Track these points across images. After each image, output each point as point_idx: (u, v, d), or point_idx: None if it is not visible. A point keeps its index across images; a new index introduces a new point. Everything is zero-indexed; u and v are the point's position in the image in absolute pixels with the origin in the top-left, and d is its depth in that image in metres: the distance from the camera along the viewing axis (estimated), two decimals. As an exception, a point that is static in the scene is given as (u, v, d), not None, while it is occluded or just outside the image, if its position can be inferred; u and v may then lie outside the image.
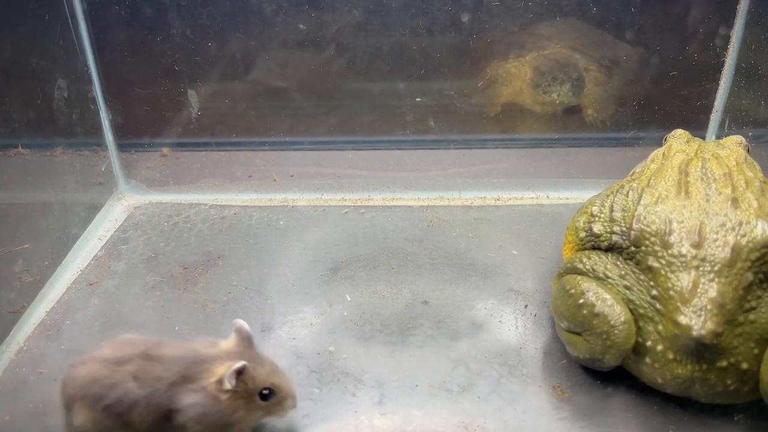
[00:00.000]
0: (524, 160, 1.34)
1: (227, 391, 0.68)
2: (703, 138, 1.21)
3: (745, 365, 0.74)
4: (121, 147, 1.27)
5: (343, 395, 0.82)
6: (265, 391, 0.71)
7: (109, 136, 1.23)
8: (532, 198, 1.26)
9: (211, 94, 1.24)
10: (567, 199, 1.24)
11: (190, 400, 0.68)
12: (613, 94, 1.27)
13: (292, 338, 0.92)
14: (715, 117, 1.19)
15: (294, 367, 0.86)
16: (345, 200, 1.26)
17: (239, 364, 0.68)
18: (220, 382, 0.69)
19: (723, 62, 1.15)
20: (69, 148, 1.14)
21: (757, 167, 0.89)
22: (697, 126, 1.20)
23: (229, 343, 0.73)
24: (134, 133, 1.27)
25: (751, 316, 0.74)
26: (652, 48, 1.18)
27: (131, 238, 1.16)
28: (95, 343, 0.90)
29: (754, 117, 1.10)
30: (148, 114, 1.24)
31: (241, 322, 0.73)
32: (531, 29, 1.26)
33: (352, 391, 0.83)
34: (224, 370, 0.69)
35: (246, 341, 0.73)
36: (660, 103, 1.20)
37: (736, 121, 1.15)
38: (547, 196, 1.26)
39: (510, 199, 1.26)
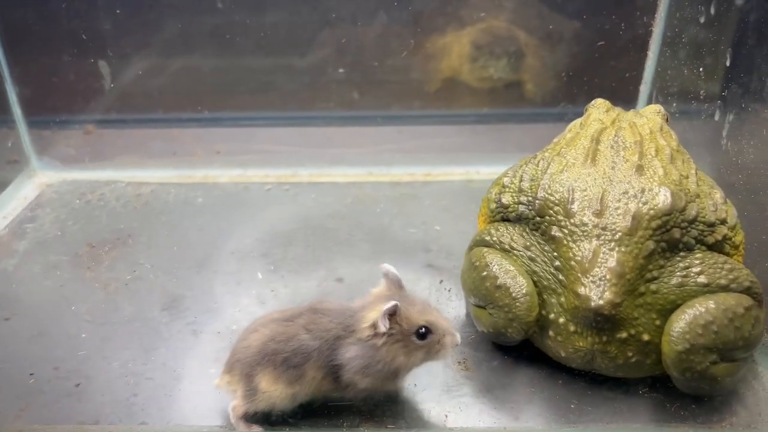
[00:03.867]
0: (458, 135, 1.31)
1: (383, 335, 0.66)
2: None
3: (646, 336, 0.72)
4: (34, 123, 1.21)
5: (239, 375, 0.78)
6: (421, 330, 0.67)
7: (16, 110, 1.17)
8: (462, 174, 1.23)
9: (124, 66, 1.18)
10: (497, 174, 1.19)
11: (350, 354, 0.66)
12: (551, 67, 1.24)
13: (193, 317, 0.88)
14: (644, 89, 1.17)
15: (191, 347, 0.82)
16: (269, 176, 1.22)
17: (390, 304, 0.65)
18: (374, 326, 0.66)
19: (650, 32, 1.12)
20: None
21: (673, 136, 0.86)
22: (626, 98, 1.18)
23: (378, 289, 0.71)
24: (47, 107, 1.21)
25: (653, 287, 0.72)
26: (583, 19, 1.15)
27: (39, 217, 1.10)
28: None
29: (679, 88, 1.07)
30: (59, 88, 1.18)
31: (388, 266, 0.71)
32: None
33: (249, 370, 0.79)
34: (375, 314, 0.66)
35: (395, 284, 0.70)
36: (590, 75, 1.18)
37: (663, 92, 1.12)
38: (478, 172, 1.23)
39: (440, 174, 1.22)
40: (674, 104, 1.07)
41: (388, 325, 0.65)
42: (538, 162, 0.84)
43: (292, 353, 0.67)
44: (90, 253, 1.01)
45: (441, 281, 0.94)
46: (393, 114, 1.30)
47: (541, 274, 0.76)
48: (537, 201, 0.78)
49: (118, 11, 1.12)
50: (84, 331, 0.85)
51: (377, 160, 1.24)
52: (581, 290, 0.71)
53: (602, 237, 0.73)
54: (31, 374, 0.79)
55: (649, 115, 0.88)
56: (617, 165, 0.78)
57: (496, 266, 0.77)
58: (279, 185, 1.19)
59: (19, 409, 0.74)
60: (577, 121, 0.92)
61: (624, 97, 1.17)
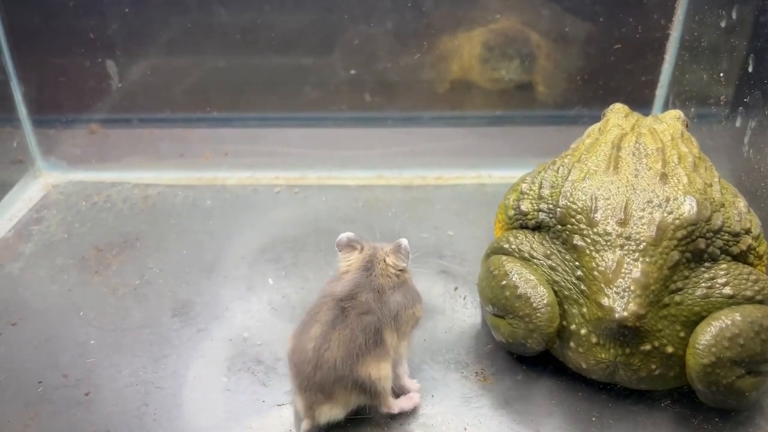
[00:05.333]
0: (469, 138, 1.29)
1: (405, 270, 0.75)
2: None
3: (670, 349, 0.70)
4: (39, 122, 1.19)
5: (252, 385, 0.77)
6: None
7: (22, 110, 1.15)
8: (474, 177, 1.21)
9: (132, 65, 1.16)
10: (510, 178, 1.16)
11: (397, 297, 0.72)
12: (564, 69, 1.22)
13: (204, 324, 0.86)
14: (660, 93, 1.15)
15: (203, 356, 0.81)
16: (278, 179, 1.20)
17: (398, 242, 0.75)
18: (396, 266, 0.74)
19: (668, 35, 1.10)
20: (-30, 121, 1.07)
21: (694, 142, 0.84)
22: (642, 102, 1.16)
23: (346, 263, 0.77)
24: (53, 107, 1.19)
25: (677, 298, 0.70)
26: (599, 21, 1.13)
27: (44, 218, 1.08)
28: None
29: (697, 93, 1.06)
30: (65, 87, 1.16)
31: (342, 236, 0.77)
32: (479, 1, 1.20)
33: (262, 380, 0.77)
34: (393, 257, 0.74)
35: (352, 247, 0.77)
36: (605, 78, 1.16)
37: (680, 96, 1.11)
38: (490, 176, 1.21)
39: (451, 178, 1.21)
40: (692, 109, 1.06)
41: (407, 259, 0.74)
42: (558, 168, 0.82)
43: (368, 335, 0.67)
44: (97, 257, 0.99)
45: (456, 288, 0.92)
46: (404, 116, 1.28)
47: (562, 283, 0.74)
48: (558, 209, 0.76)
49: (126, 10, 1.10)
50: (93, 337, 0.84)
51: (388, 162, 1.23)
52: (605, 301, 0.70)
53: (626, 247, 0.71)
54: (39, 382, 0.77)
55: (669, 121, 0.87)
56: (640, 173, 0.76)
57: (515, 275, 0.76)
58: (288, 188, 1.17)
59: (28, 419, 0.72)
60: (596, 126, 0.91)
61: (639, 101, 1.15)
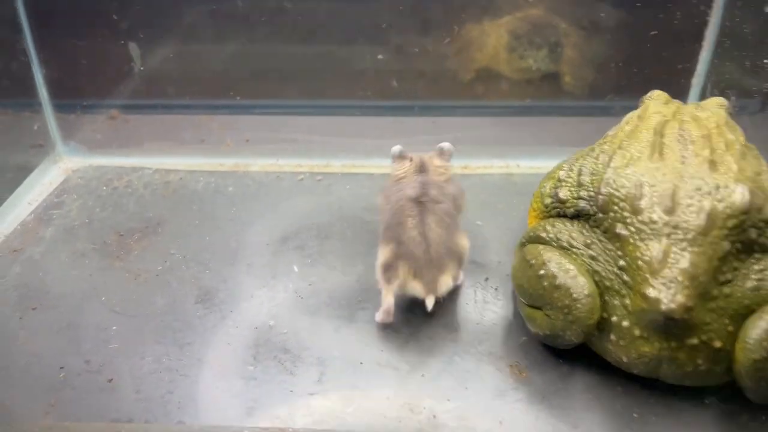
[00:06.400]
0: (496, 127, 1.26)
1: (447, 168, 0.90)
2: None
3: (718, 343, 0.67)
4: (60, 107, 1.17)
5: (279, 374, 0.74)
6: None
7: (43, 93, 1.13)
8: (502, 167, 1.18)
9: (155, 49, 1.14)
10: (538, 168, 1.16)
11: (452, 189, 0.87)
12: (592, 59, 1.19)
13: (229, 311, 0.84)
14: (697, 81, 1.11)
15: (228, 343, 0.78)
16: (301, 167, 1.17)
17: (441, 145, 0.91)
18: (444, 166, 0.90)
19: (707, 21, 1.06)
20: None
21: (739, 131, 0.81)
22: (677, 92, 1.11)
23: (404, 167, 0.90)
24: (74, 91, 1.17)
25: (726, 290, 0.67)
26: (632, 7, 1.09)
27: (65, 203, 1.06)
28: (10, 317, 0.82)
29: (738, 82, 1.02)
30: (87, 70, 1.14)
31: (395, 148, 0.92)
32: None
33: (289, 369, 0.75)
34: (437, 160, 0.90)
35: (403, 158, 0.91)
36: (639, 66, 1.12)
37: (719, 86, 1.07)
38: (518, 165, 1.18)
39: (478, 167, 1.17)
40: (732, 99, 1.02)
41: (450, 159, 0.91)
42: (598, 155, 0.79)
43: (449, 217, 0.81)
44: (119, 242, 0.97)
45: (486, 279, 0.89)
46: (430, 104, 1.25)
47: (603, 274, 0.71)
48: (600, 196, 0.73)
49: (150, -10, 1.08)
50: (115, 323, 0.82)
51: (414, 151, 1.19)
52: (650, 292, 0.66)
53: (673, 236, 0.68)
54: (61, 368, 0.75)
55: (712, 109, 0.83)
56: (687, 159, 0.73)
57: (554, 265, 0.73)
58: (312, 175, 1.15)
59: (49, 404, 0.70)
60: (634, 113, 0.88)
61: (675, 91, 1.10)
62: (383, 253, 0.79)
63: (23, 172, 1.10)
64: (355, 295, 0.86)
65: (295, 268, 0.91)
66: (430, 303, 0.76)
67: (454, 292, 0.86)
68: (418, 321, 0.82)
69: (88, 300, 0.86)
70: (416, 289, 0.77)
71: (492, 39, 1.24)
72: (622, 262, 0.70)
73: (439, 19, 1.15)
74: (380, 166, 1.18)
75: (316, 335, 0.80)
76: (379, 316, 0.80)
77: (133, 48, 1.12)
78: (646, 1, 1.07)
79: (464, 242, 0.82)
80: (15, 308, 0.84)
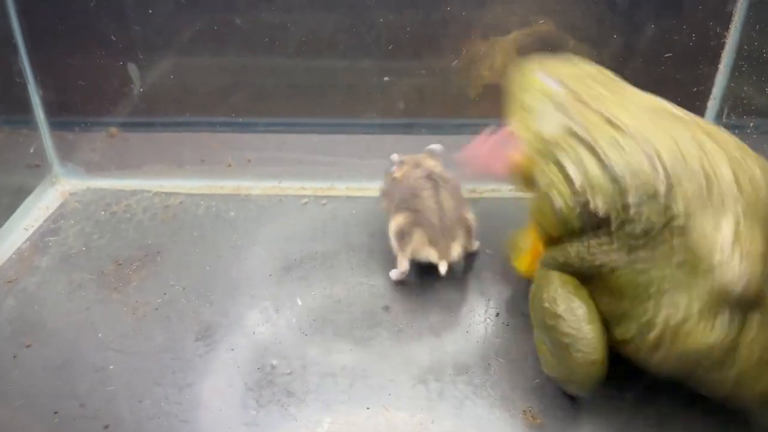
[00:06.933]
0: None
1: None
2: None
3: None
4: (56, 126, 1.14)
5: (282, 419, 0.71)
6: None
7: (39, 114, 1.10)
8: (511, 190, 1.14)
9: (154, 68, 1.10)
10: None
11: (449, 174, 0.95)
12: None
13: (230, 349, 0.81)
14: (712, 104, 1.08)
15: (229, 384, 0.75)
16: (305, 189, 1.14)
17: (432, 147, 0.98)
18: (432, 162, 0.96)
19: (723, 44, 1.03)
20: (-12, 124, 1.02)
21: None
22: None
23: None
24: (71, 111, 1.14)
25: None
26: (645, 26, 1.06)
27: (62, 229, 1.03)
28: (3, 354, 0.79)
29: (756, 105, 0.99)
30: (84, 90, 1.11)
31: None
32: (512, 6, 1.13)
33: (293, 414, 0.72)
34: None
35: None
36: (652, 88, 1.08)
37: (735, 109, 1.04)
38: (528, 189, 1.14)
39: (486, 191, 1.14)
40: (751, 123, 0.99)
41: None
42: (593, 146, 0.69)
43: (458, 192, 0.91)
44: (117, 272, 0.94)
45: (497, 314, 0.86)
46: (435, 122, 1.22)
47: (657, 280, 0.64)
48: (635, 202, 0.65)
49: (150, 11, 1.04)
50: (112, 362, 0.79)
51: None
52: (723, 271, 0.60)
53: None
54: (55, 412, 0.72)
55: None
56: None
57: (562, 302, 0.69)
58: (315, 199, 1.12)
59: (42, 454, 0.68)
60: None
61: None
62: (396, 221, 0.88)
63: (20, 195, 1.07)
64: (361, 331, 0.83)
65: (299, 301, 0.88)
66: (443, 268, 0.84)
67: (460, 329, 0.83)
68: (424, 363, 0.79)
69: (84, 336, 0.83)
70: (431, 254, 0.85)
71: (500, 57, 1.21)
72: (678, 258, 0.63)
73: (447, 37, 1.12)
74: (386, 189, 1.15)
75: (320, 377, 0.77)
76: (394, 275, 0.90)
77: (132, 68, 1.09)
78: (661, 23, 1.04)
79: (472, 215, 0.91)
80: (9, 344, 0.81)
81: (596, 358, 0.66)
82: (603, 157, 0.68)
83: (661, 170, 0.64)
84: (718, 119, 1.07)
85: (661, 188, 0.64)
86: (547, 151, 0.73)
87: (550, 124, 0.75)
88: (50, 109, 1.11)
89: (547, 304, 0.70)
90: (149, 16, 1.05)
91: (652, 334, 0.64)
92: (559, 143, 0.72)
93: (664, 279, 0.64)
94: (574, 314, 0.68)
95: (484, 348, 0.81)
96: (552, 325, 0.69)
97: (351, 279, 0.93)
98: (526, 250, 0.84)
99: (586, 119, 0.72)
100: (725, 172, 0.64)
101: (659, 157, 0.65)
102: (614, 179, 0.66)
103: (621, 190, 0.66)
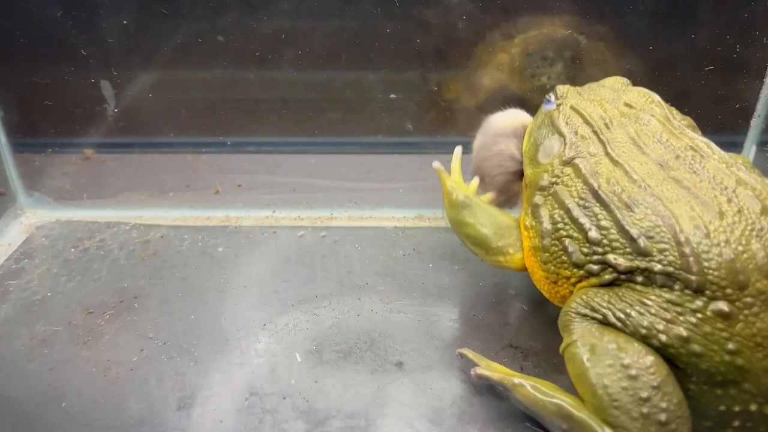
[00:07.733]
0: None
1: None
2: (741, 149, 1.00)
3: None
4: (21, 148, 1.02)
5: None
6: None
7: (1, 137, 0.98)
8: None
9: (132, 85, 0.98)
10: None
11: None
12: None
13: (218, 420, 0.68)
14: (756, 123, 0.97)
15: (217, 469, 0.63)
16: (301, 219, 1.03)
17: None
18: None
19: (771, 56, 0.93)
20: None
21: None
22: (733, 132, 0.98)
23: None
24: (37, 132, 1.02)
25: None
26: (684, 35, 0.95)
27: (25, 270, 0.91)
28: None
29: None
30: (52, 110, 0.99)
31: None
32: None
33: (294, 507, 0.60)
34: None
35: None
36: (692, 105, 0.97)
37: (784, 128, 0.93)
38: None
39: (504, 218, 1.03)
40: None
41: None
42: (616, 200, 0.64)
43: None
44: (87, 323, 0.81)
45: (521, 368, 0.75)
46: (443, 140, 1.11)
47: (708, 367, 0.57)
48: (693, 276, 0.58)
49: (124, 21, 0.92)
50: (77, 440, 0.66)
51: (429, 199, 1.05)
52: None
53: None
54: None
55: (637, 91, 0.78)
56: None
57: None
58: (314, 230, 1.00)
59: None
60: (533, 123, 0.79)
61: (730, 131, 0.98)
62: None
63: (-23, 231, 0.94)
64: (370, 398, 0.71)
65: (298, 357, 0.76)
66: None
67: (486, 390, 0.71)
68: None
69: (46, 406, 0.70)
70: (473, 183, 0.86)
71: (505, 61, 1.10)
72: (730, 345, 0.56)
73: (453, 48, 1.00)
74: (392, 218, 1.03)
75: (325, 455, 0.65)
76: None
77: (105, 86, 0.96)
78: (702, 32, 0.93)
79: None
80: (-44, 418, 0.69)
81: None
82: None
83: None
84: (763, 137, 0.97)
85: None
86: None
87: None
88: (13, 131, 0.99)
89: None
90: (124, 27, 0.93)
91: None
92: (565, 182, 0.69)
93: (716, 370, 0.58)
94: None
95: (519, 412, 0.69)
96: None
97: (356, 328, 0.81)
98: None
99: (602, 166, 0.68)
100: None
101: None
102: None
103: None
